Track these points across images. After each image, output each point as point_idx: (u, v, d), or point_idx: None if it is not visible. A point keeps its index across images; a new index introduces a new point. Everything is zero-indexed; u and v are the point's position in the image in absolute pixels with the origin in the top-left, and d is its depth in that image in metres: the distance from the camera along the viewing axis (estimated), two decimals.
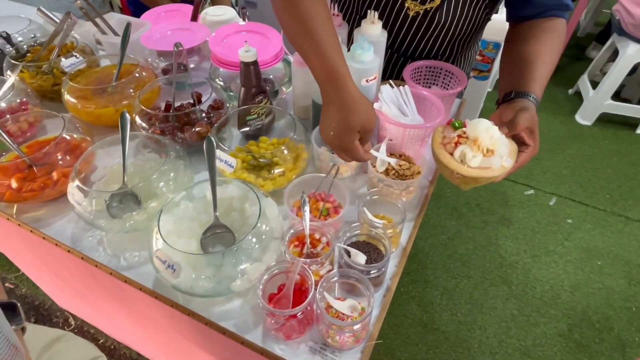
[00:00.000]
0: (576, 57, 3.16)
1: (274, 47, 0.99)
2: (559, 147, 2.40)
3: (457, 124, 0.69)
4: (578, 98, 2.70)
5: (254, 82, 0.86)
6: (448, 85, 0.99)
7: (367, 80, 0.82)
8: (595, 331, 1.59)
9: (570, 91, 2.81)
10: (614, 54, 2.46)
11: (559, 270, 1.79)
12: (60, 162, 0.81)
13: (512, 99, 0.73)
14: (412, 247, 1.94)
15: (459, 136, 0.68)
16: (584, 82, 2.66)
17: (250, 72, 0.85)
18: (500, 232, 1.94)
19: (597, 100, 2.47)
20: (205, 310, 0.65)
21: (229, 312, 0.65)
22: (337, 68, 0.62)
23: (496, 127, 0.66)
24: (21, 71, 1.01)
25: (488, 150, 0.65)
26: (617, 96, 2.57)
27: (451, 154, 0.68)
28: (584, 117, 2.56)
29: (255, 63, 0.84)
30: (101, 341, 1.54)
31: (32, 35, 1.16)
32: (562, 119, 2.61)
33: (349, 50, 0.82)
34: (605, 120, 2.54)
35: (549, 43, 0.79)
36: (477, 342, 1.56)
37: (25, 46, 1.11)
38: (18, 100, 0.93)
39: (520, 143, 0.70)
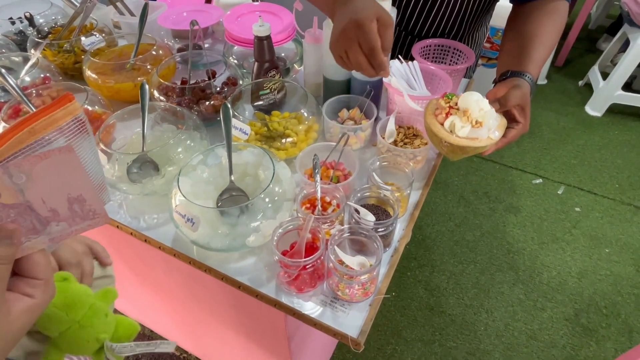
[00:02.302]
0: (587, 49, 3.14)
1: (286, 26, 1.02)
2: (569, 137, 2.40)
3: (450, 96, 0.72)
4: (588, 90, 2.69)
5: (267, 56, 0.89)
6: (456, 63, 1.01)
7: None
8: (602, 316, 1.59)
9: (580, 83, 2.79)
10: (625, 45, 2.45)
11: (566, 257, 1.79)
12: None
13: (507, 77, 0.74)
14: (420, 233, 1.96)
15: (450, 107, 0.70)
16: (594, 74, 2.64)
17: (264, 47, 0.88)
18: (507, 219, 1.95)
19: (607, 90, 2.46)
20: (220, 267, 0.68)
21: (244, 268, 0.68)
22: None
23: (486, 100, 0.68)
24: (44, 49, 1.05)
25: (477, 122, 0.67)
26: (628, 88, 2.56)
27: (442, 124, 0.70)
28: (594, 108, 2.56)
29: (268, 38, 0.87)
30: None
31: (53, 17, 1.20)
32: (571, 110, 2.60)
33: None
34: (616, 111, 2.53)
35: (550, 24, 0.80)
36: (484, 325, 1.58)
37: (46, 28, 1.16)
38: (42, 76, 0.98)
39: (511, 120, 0.71)
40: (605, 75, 2.52)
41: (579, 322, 1.57)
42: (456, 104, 0.70)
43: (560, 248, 1.83)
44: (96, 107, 0.89)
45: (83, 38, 1.05)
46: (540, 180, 2.14)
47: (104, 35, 1.09)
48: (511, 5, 0.91)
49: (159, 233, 0.73)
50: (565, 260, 1.78)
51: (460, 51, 0.99)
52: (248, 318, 0.87)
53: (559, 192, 2.07)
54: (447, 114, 0.70)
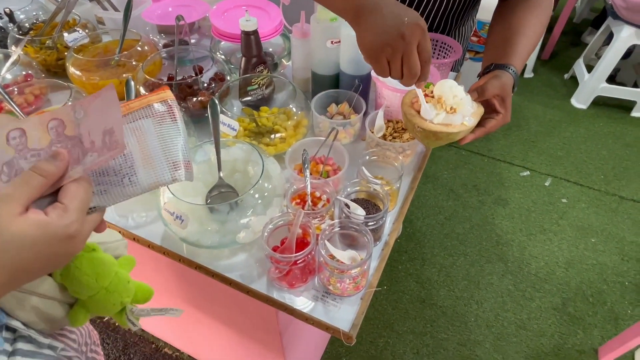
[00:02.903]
0: (572, 42, 3.18)
1: (273, 21, 1.02)
2: (555, 130, 2.43)
3: (427, 85, 0.72)
4: (574, 83, 2.72)
5: (255, 51, 0.88)
6: (444, 57, 1.01)
7: None
8: (589, 305, 1.63)
9: (566, 76, 2.83)
10: (609, 38, 2.48)
11: (553, 248, 1.82)
12: None
13: (491, 70, 0.74)
14: (410, 227, 1.97)
15: (426, 95, 0.71)
16: (579, 66, 2.68)
17: (251, 42, 0.87)
18: (496, 212, 1.98)
19: (592, 83, 2.49)
20: (211, 264, 0.68)
21: (234, 264, 0.68)
22: None
23: (461, 88, 0.68)
24: (25, 46, 1.02)
25: (451, 108, 0.68)
26: (612, 80, 2.60)
27: (418, 112, 0.71)
28: (580, 100, 2.59)
29: (255, 32, 0.86)
30: (105, 318, 1.57)
31: (34, 13, 1.18)
32: (557, 102, 2.63)
33: None
34: (601, 103, 2.57)
35: (534, 18, 0.80)
36: (474, 316, 1.60)
37: (27, 24, 1.13)
38: (23, 73, 0.95)
39: (492, 111, 0.71)
40: (590, 68, 2.56)
41: (567, 311, 1.61)
42: (432, 92, 0.71)
43: (547, 239, 1.86)
44: None
45: (66, 34, 1.03)
46: (528, 172, 2.17)
47: (87, 31, 1.07)
48: None
49: (147, 231, 0.72)
50: (553, 251, 1.81)
51: (448, 45, 0.99)
52: (240, 314, 0.87)
53: (546, 184, 2.10)
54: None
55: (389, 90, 0.85)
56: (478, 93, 0.70)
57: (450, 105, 0.68)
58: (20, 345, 0.44)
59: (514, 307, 1.62)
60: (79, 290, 0.47)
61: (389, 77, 0.63)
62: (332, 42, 0.87)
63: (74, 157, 0.37)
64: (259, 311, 0.78)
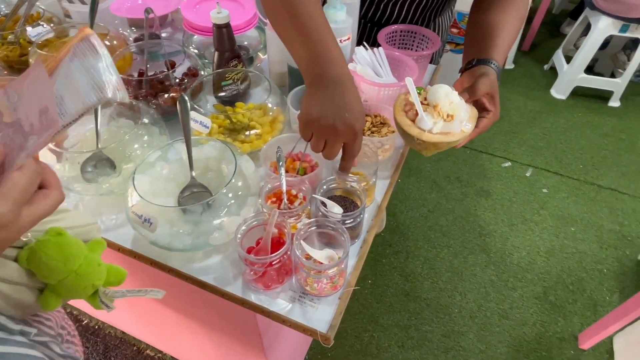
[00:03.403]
0: (551, 33, 3.21)
1: (247, 13, 0.99)
2: (535, 120, 2.46)
3: (418, 90, 0.69)
4: (553, 73, 2.75)
5: (227, 45, 0.86)
6: (422, 50, 1.00)
7: (340, 41, 0.82)
8: (569, 292, 1.66)
9: (545, 67, 2.86)
10: (587, 29, 2.51)
11: (535, 238, 1.85)
12: None
13: (473, 66, 0.73)
14: (394, 220, 1.97)
15: (420, 102, 0.68)
16: (558, 57, 2.71)
17: (224, 35, 0.84)
18: (479, 203, 1.99)
19: (571, 74, 2.52)
20: (184, 267, 0.65)
21: (209, 267, 0.65)
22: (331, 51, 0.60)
23: (456, 93, 0.66)
24: None
25: (448, 116, 0.65)
26: (590, 71, 2.64)
27: (412, 121, 0.67)
28: (559, 91, 2.62)
29: (228, 25, 0.83)
30: (85, 322, 1.53)
31: None
32: (537, 93, 2.66)
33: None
34: (579, 93, 2.60)
35: (512, 12, 0.79)
36: (458, 307, 1.61)
37: None
38: None
39: (481, 109, 0.70)
40: (569, 59, 2.59)
41: (548, 300, 1.63)
42: (425, 99, 0.67)
43: (529, 229, 1.88)
44: None
45: (29, 28, 0.98)
46: (509, 163, 2.19)
47: (52, 25, 1.02)
48: None
49: (117, 235, 0.70)
50: (534, 241, 1.83)
51: (426, 37, 0.98)
52: (219, 316, 0.85)
53: (527, 175, 2.13)
54: (417, 111, 0.67)
55: (367, 84, 0.83)
56: (469, 93, 0.68)
57: (447, 112, 0.65)
58: None
59: (497, 297, 1.64)
60: (48, 275, 0.46)
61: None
62: None
63: (17, 144, 0.35)
64: (238, 313, 0.76)
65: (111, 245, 0.68)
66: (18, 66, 0.99)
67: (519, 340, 1.52)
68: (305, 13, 0.61)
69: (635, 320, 1.34)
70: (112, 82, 0.41)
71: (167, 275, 0.66)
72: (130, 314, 1.22)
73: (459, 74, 0.78)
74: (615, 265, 1.75)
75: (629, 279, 1.70)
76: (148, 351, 1.46)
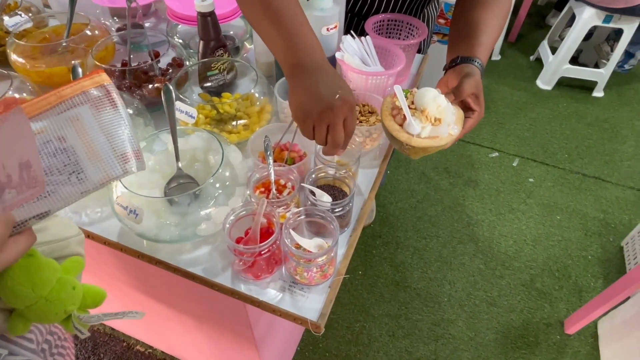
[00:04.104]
0: (537, 24, 3.24)
1: (232, 2, 0.97)
2: (521, 111, 2.49)
3: (405, 93, 0.68)
4: (539, 64, 2.78)
5: (213, 34, 0.84)
6: (410, 38, 0.99)
7: (327, 29, 0.81)
8: (555, 279, 1.69)
9: (531, 58, 2.89)
10: (572, 20, 2.54)
11: (521, 226, 1.87)
12: None
13: (457, 64, 0.73)
14: (383, 211, 1.98)
15: (407, 106, 0.66)
16: (544, 48, 2.73)
17: (208, 24, 0.83)
18: (467, 193, 2.01)
19: (556, 64, 2.55)
20: (172, 259, 0.64)
21: (197, 258, 0.65)
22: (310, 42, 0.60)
23: (442, 96, 0.65)
24: None
25: (436, 120, 0.64)
26: (575, 62, 2.67)
27: (400, 125, 0.66)
28: (545, 81, 2.65)
29: (212, 14, 0.82)
30: None
31: None
32: (524, 84, 2.69)
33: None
34: (564, 84, 2.64)
35: (496, 9, 0.79)
36: (447, 296, 1.63)
37: None
38: None
39: (466, 109, 0.70)
40: (554, 50, 2.62)
41: (534, 287, 1.66)
42: (412, 103, 0.66)
43: (516, 218, 1.91)
44: (24, 94, 0.81)
45: (6, 18, 0.95)
46: (497, 153, 2.21)
47: (30, 15, 0.99)
48: None
49: (103, 227, 0.68)
50: (521, 229, 1.86)
51: (414, 26, 0.98)
52: (209, 309, 0.84)
53: (514, 165, 2.15)
54: (404, 115, 0.65)
55: (354, 72, 0.83)
56: (454, 95, 0.68)
57: (435, 116, 0.64)
58: None
59: (485, 285, 1.66)
60: (14, 300, 0.42)
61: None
62: None
63: None
64: (228, 305, 0.76)
65: (97, 238, 0.67)
66: None
67: (506, 326, 1.55)
68: (278, 1, 0.60)
69: (619, 305, 1.38)
70: (135, 152, 0.37)
71: (156, 268, 0.66)
72: (120, 310, 1.20)
73: (443, 71, 0.78)
74: (600, 251, 1.78)
75: (613, 265, 1.74)
76: (138, 347, 1.45)
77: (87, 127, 0.35)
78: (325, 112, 0.56)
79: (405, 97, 0.66)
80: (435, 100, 0.64)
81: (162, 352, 1.43)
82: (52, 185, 0.35)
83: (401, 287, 1.66)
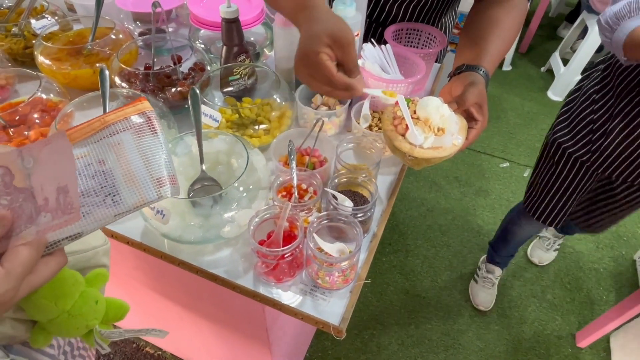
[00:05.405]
0: (548, 36, 3.24)
1: (255, 9, 0.98)
2: (532, 122, 2.48)
3: (407, 102, 0.66)
4: (550, 75, 2.78)
5: (236, 40, 0.85)
6: (429, 47, 1.00)
7: None
8: (566, 291, 1.67)
9: (542, 69, 2.89)
10: (584, 32, 2.54)
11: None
12: (37, 122, 0.79)
13: (462, 71, 0.72)
14: (393, 219, 1.97)
15: (410, 116, 0.65)
16: (555, 60, 2.74)
17: (232, 30, 0.84)
18: (477, 203, 2.01)
19: (567, 76, 2.55)
20: (194, 260, 0.65)
21: (219, 260, 0.65)
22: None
23: (446, 105, 0.64)
24: None
25: (439, 129, 0.63)
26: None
27: (403, 135, 0.65)
28: (556, 93, 2.65)
29: (237, 20, 0.83)
30: None
31: None
32: (535, 95, 2.69)
33: (331, 7, 0.82)
34: None
35: (509, 20, 0.78)
36: (457, 305, 1.62)
37: None
38: None
39: (469, 118, 0.69)
40: (565, 62, 2.62)
41: (545, 298, 1.65)
42: (415, 112, 0.65)
43: None
44: (51, 95, 0.83)
45: (33, 21, 0.97)
46: (507, 164, 2.21)
47: (56, 18, 1.01)
48: None
49: (126, 227, 0.69)
50: None
51: (432, 35, 0.99)
52: (225, 310, 0.85)
53: (525, 175, 2.15)
54: (407, 125, 0.64)
55: (374, 80, 0.83)
56: (457, 104, 0.67)
57: (438, 125, 0.63)
58: None
59: (496, 296, 1.65)
60: (36, 314, 0.42)
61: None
62: None
63: (26, 214, 0.33)
64: (245, 307, 0.76)
65: (120, 238, 0.68)
66: (22, 58, 0.98)
67: (517, 338, 1.53)
68: None
69: (632, 319, 1.36)
70: (171, 177, 0.37)
71: (174, 268, 0.66)
72: (130, 311, 1.21)
73: (448, 78, 0.78)
74: (612, 264, 1.77)
75: (625, 279, 1.72)
76: (147, 349, 1.45)
77: (126, 151, 0.36)
78: (304, 58, 0.57)
79: (407, 106, 0.65)
80: (438, 109, 0.63)
81: (172, 354, 1.44)
82: (87, 206, 0.35)
83: (411, 296, 1.65)
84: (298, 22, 0.62)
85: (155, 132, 0.38)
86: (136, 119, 0.37)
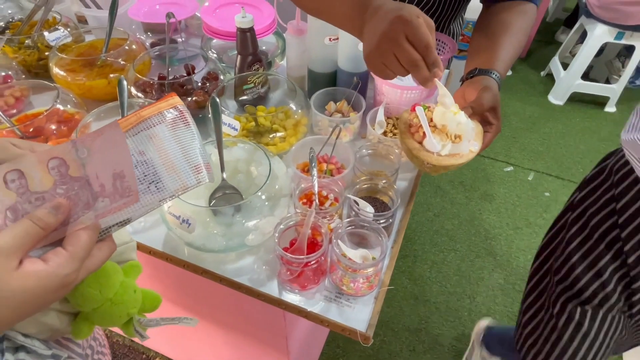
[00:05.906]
0: (546, 41, 3.27)
1: (266, 18, 1.00)
2: (534, 126, 2.50)
3: (424, 108, 0.67)
4: (550, 79, 2.81)
5: (251, 49, 0.86)
6: (440, 54, 1.01)
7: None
8: None
9: (542, 73, 2.91)
10: (583, 36, 2.57)
11: (539, 241, 1.86)
12: (54, 133, 0.79)
13: (475, 75, 0.73)
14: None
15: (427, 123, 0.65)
16: (555, 64, 2.76)
17: (247, 39, 0.85)
18: (483, 207, 2.01)
19: (567, 80, 2.57)
20: (217, 269, 0.65)
21: (242, 268, 0.65)
22: None
23: (462, 112, 0.64)
24: (2, 46, 0.97)
25: (456, 137, 0.63)
26: (586, 77, 2.69)
27: (420, 143, 0.65)
28: (556, 97, 2.67)
29: (251, 30, 0.84)
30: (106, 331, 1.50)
31: (9, 12, 1.12)
32: (535, 99, 2.71)
33: None
34: (576, 99, 2.65)
35: (518, 26, 0.79)
36: (467, 310, 1.62)
37: (2, 23, 1.07)
38: (2, 74, 0.90)
39: (484, 122, 0.69)
40: (565, 66, 2.64)
41: None
42: (431, 120, 0.65)
43: (533, 232, 1.90)
44: (68, 106, 0.83)
45: (46, 33, 0.98)
46: (511, 167, 2.22)
47: (69, 30, 1.02)
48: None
49: (148, 237, 0.69)
50: (539, 244, 1.85)
51: (442, 42, 1.00)
52: (243, 319, 0.84)
53: (529, 179, 2.16)
54: (424, 133, 0.64)
55: (388, 86, 0.84)
56: (472, 109, 0.67)
57: (455, 133, 0.63)
58: (22, 355, 0.41)
59: (505, 300, 1.65)
60: (82, 303, 0.44)
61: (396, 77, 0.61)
62: (330, 39, 0.86)
63: (83, 201, 0.35)
64: (265, 315, 0.76)
65: (142, 248, 0.68)
66: (36, 70, 0.99)
67: None
68: None
69: None
70: (206, 164, 0.40)
71: (193, 277, 0.66)
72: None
73: (460, 82, 0.78)
74: None
75: None
76: (157, 359, 1.44)
77: (164, 142, 0.38)
78: (381, 42, 0.54)
79: (425, 110, 0.65)
80: (454, 117, 0.63)
81: None
82: None
83: (420, 301, 1.64)
84: (363, 19, 0.59)
85: (188, 124, 0.40)
86: (169, 113, 0.39)
